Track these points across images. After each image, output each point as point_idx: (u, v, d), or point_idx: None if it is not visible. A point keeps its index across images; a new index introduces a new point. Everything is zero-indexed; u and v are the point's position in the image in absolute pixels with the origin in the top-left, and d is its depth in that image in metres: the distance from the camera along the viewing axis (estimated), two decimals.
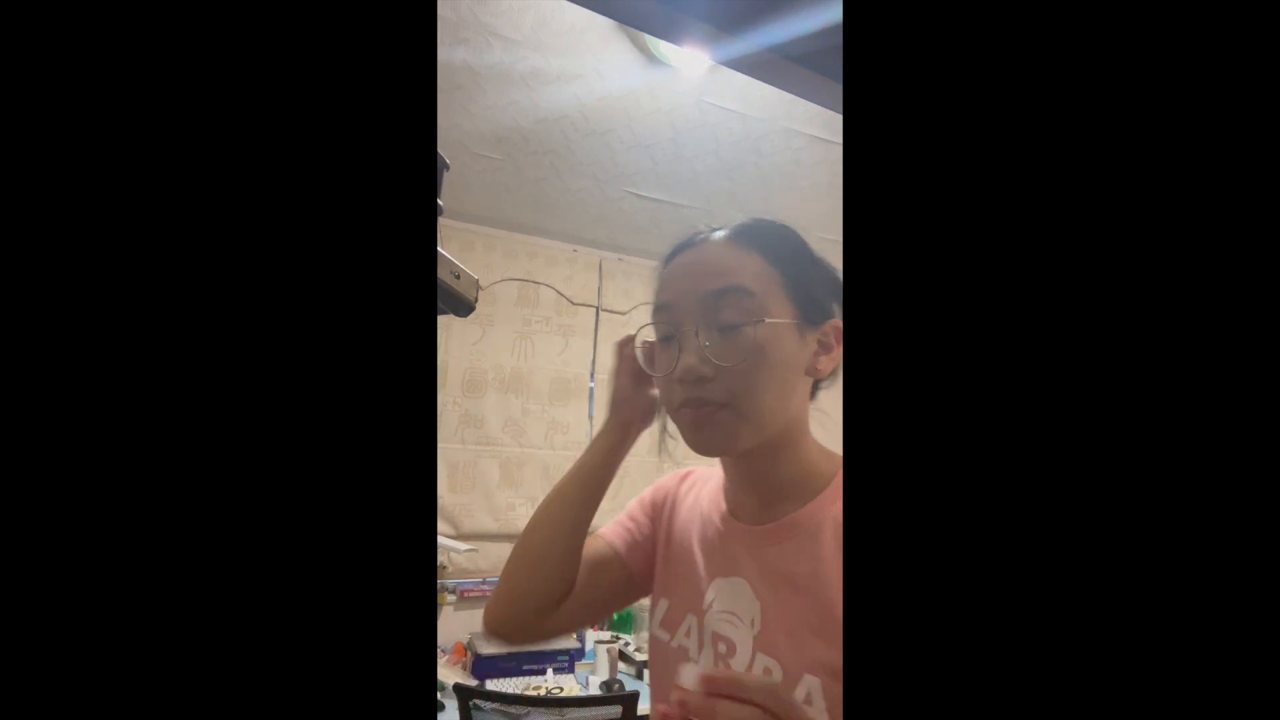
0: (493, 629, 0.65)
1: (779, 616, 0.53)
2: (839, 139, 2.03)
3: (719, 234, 0.58)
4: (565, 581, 0.65)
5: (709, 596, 0.59)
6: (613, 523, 0.72)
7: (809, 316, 0.55)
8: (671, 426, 0.62)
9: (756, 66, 1.05)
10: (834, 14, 0.93)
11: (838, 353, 0.56)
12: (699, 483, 0.70)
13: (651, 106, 1.94)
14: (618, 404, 0.65)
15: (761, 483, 0.58)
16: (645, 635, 2.37)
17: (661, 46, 1.69)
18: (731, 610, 0.57)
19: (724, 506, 0.62)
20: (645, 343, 0.61)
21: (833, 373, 0.57)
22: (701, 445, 0.55)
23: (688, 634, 0.60)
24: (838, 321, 0.56)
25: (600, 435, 0.67)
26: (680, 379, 0.53)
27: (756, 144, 2.11)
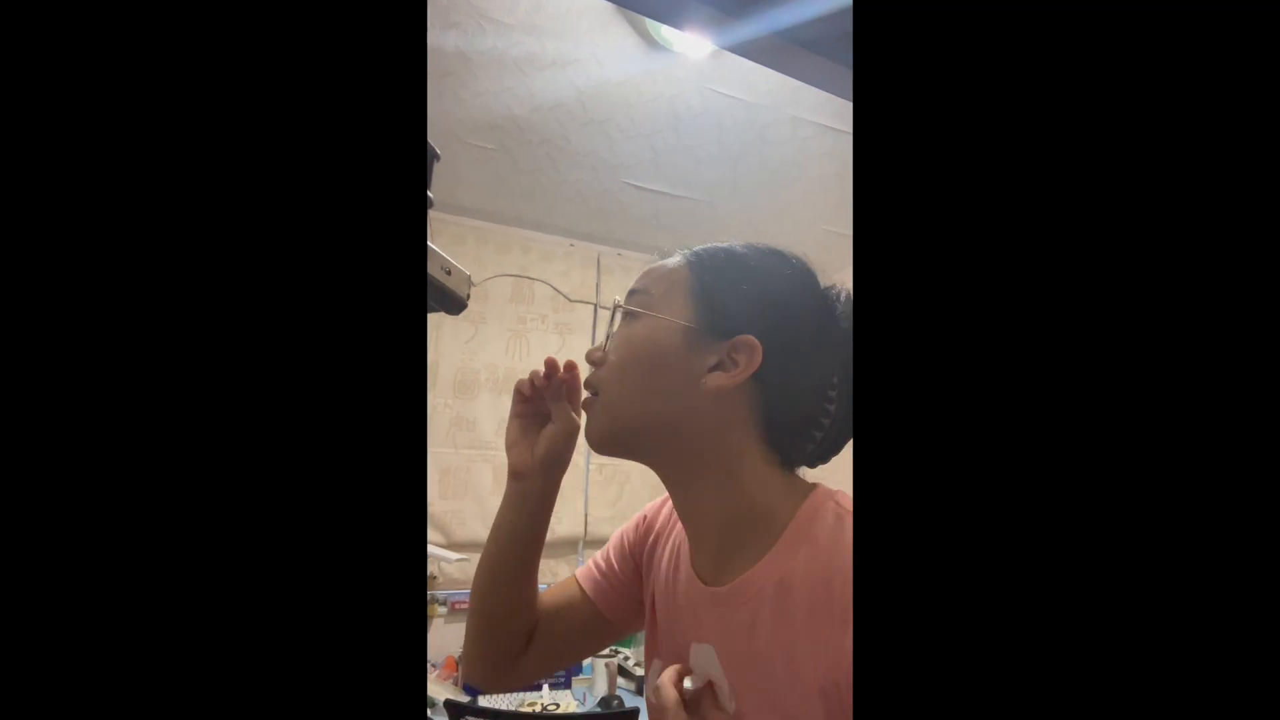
0: (465, 678, 0.71)
1: (747, 694, 0.51)
2: (849, 128, 2.03)
3: (682, 254, 0.61)
4: (518, 634, 0.65)
5: (691, 660, 0.56)
6: (588, 561, 0.72)
7: (712, 326, 0.54)
8: None
9: (762, 52, 1.05)
10: None
11: (738, 374, 0.52)
12: (663, 529, 0.67)
13: (652, 93, 1.94)
14: (507, 450, 0.65)
15: (700, 522, 0.56)
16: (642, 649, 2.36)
17: (663, 30, 1.69)
18: (713, 680, 0.55)
19: (689, 557, 0.59)
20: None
21: (728, 394, 0.53)
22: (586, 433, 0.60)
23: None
24: (752, 341, 0.52)
25: (505, 491, 0.65)
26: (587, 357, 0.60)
27: (762, 133, 2.12)
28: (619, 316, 0.59)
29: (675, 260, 0.59)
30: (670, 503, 0.66)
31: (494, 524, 0.66)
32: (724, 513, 0.54)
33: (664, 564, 0.63)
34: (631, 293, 0.58)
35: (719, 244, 0.60)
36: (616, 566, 0.68)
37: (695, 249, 0.60)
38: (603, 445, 0.58)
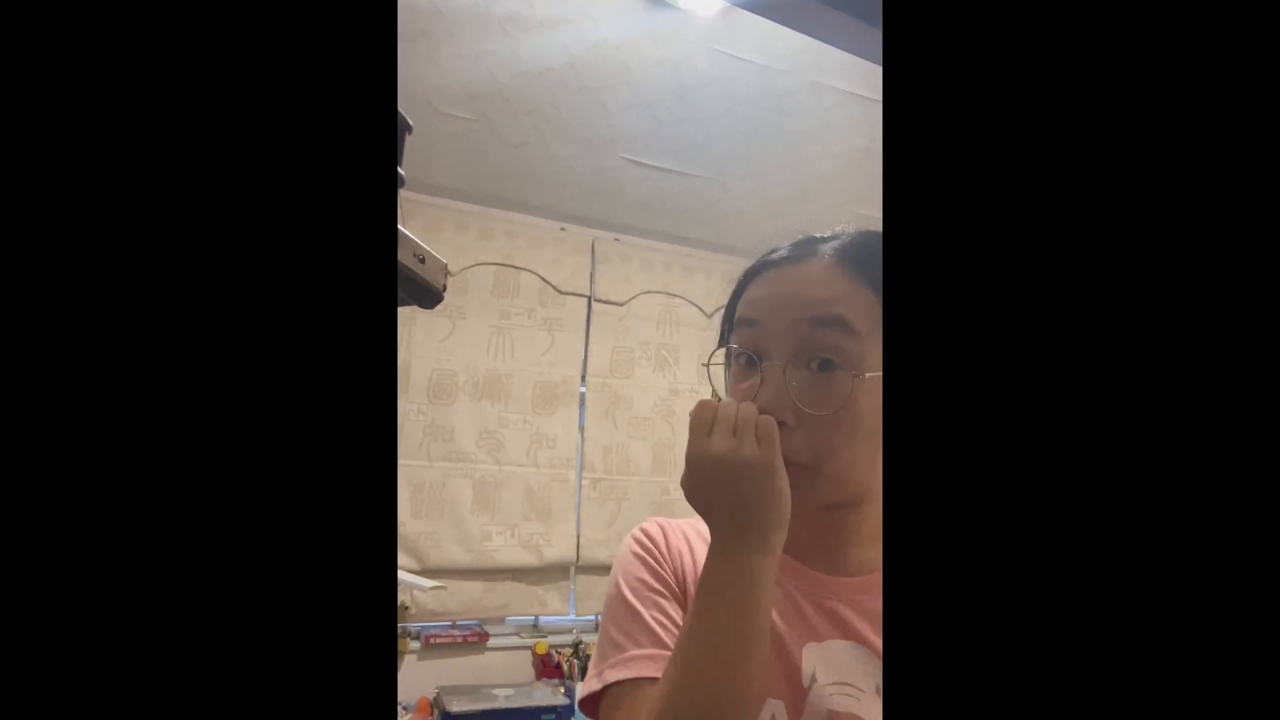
0: None
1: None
2: (878, 96, 2.03)
3: (826, 248, 0.57)
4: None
5: (806, 668, 0.55)
6: (630, 649, 0.58)
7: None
8: None
9: (779, 8, 1.05)
10: None
11: None
12: (688, 531, 0.65)
13: (654, 57, 1.94)
14: (764, 504, 0.50)
15: (839, 531, 0.59)
16: None
17: None
18: (845, 681, 0.54)
19: (787, 558, 0.58)
20: (728, 361, 0.60)
21: None
22: None
23: None
24: None
25: (757, 570, 0.50)
26: None
27: (779, 102, 2.12)
28: (807, 359, 0.53)
29: (846, 272, 0.55)
30: (679, 531, 0.65)
31: (746, 626, 0.50)
32: (864, 519, 0.58)
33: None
34: (824, 322, 0.53)
35: (868, 240, 0.58)
36: (656, 615, 0.60)
37: (853, 245, 0.57)
38: (804, 512, 0.53)
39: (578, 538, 2.54)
